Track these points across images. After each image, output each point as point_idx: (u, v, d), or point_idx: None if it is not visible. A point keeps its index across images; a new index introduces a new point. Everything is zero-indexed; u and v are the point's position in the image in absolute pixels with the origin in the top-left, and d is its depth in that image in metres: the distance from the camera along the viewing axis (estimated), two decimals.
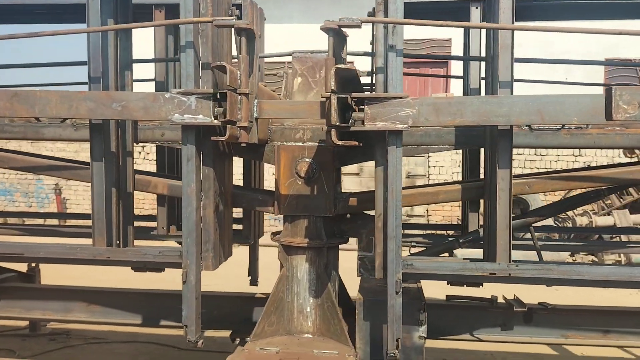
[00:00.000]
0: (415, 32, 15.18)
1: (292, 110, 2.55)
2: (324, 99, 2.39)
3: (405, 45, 2.47)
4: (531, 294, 3.93)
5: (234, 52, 2.77)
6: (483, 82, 3.42)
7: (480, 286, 2.81)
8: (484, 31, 3.15)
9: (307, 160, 2.99)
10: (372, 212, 3.33)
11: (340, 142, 2.26)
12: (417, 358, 2.79)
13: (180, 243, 3.72)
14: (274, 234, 3.22)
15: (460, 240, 3.14)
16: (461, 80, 3.88)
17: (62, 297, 3.96)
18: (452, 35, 13.88)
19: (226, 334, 5.94)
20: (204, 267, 2.69)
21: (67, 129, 3.18)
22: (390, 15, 2.41)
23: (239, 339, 3.76)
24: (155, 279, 3.88)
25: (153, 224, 3.88)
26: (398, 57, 2.43)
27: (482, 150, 2.92)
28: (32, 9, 4.04)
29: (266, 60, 3.72)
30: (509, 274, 2.53)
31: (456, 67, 11.84)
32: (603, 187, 2.98)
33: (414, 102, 2.37)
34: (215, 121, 2.46)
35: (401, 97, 2.37)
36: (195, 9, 2.56)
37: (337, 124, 2.27)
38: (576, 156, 11.99)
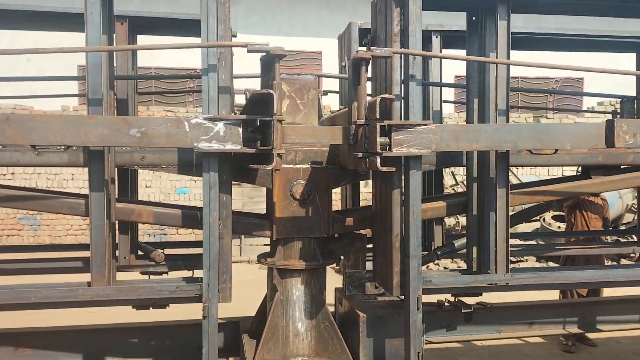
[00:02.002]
0: (285, 43, 15.46)
1: (315, 135, 2.56)
2: (356, 125, 2.45)
3: None
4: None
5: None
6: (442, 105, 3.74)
7: (480, 295, 3.06)
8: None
9: (301, 182, 2.99)
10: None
11: (384, 169, 2.33)
12: None
13: (144, 273, 3.46)
14: (261, 256, 3.16)
15: (439, 253, 3.36)
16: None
17: None
18: (322, 48, 14.37)
19: None
20: (221, 299, 2.56)
21: (27, 153, 2.77)
22: (411, 46, 2.55)
23: None
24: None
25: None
26: (417, 85, 2.57)
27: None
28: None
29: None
30: (507, 283, 2.81)
31: (328, 84, 11.78)
32: (552, 200, 3.43)
33: (437, 129, 2.53)
34: (247, 149, 2.38)
35: (425, 125, 2.51)
36: (213, 31, 2.44)
37: (379, 150, 2.34)
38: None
